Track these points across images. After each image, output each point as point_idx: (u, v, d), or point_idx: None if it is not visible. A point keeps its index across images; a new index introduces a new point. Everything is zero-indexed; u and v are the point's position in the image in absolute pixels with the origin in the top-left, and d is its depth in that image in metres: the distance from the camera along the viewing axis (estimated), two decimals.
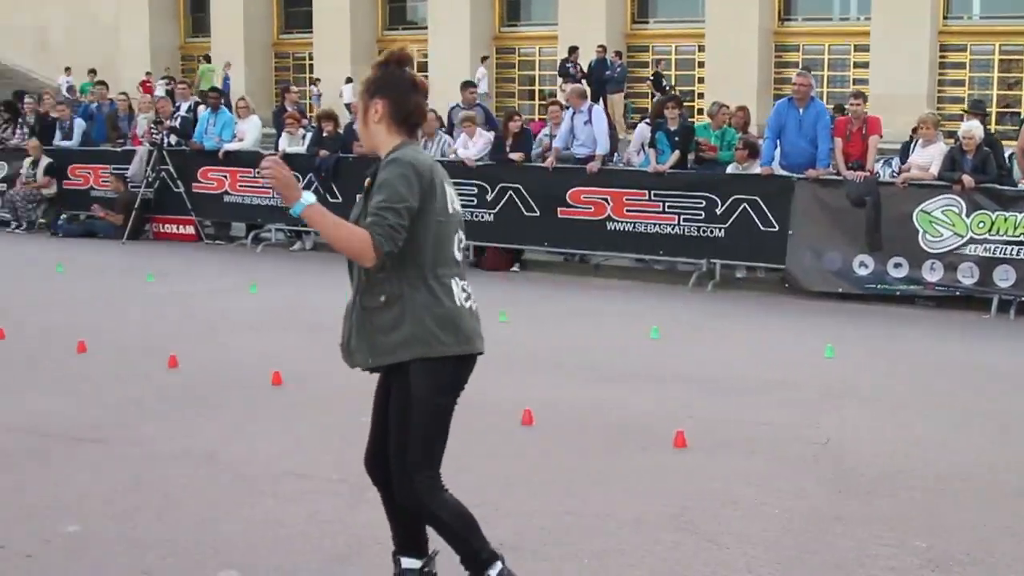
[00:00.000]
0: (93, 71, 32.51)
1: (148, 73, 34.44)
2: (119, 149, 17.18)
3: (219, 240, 16.04)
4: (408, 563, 4.21)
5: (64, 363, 8.49)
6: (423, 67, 34.79)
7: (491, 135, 14.18)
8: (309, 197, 3.84)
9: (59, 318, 10.32)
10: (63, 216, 17.22)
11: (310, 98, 31.83)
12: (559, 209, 13.20)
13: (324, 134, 14.95)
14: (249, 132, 15.90)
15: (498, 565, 4.05)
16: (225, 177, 15.68)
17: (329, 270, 13.35)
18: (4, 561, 4.80)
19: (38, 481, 5.83)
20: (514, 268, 13.77)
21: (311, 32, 36.11)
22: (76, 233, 16.68)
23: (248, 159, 15.40)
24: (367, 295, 3.96)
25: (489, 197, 13.60)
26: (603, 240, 13.17)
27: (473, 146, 13.89)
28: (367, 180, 4.01)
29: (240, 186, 15.53)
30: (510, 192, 13.48)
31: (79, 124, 17.92)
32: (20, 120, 18.86)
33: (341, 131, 15.15)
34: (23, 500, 5.53)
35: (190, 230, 16.13)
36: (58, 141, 17.80)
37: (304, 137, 15.52)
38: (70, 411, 7.14)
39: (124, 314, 10.59)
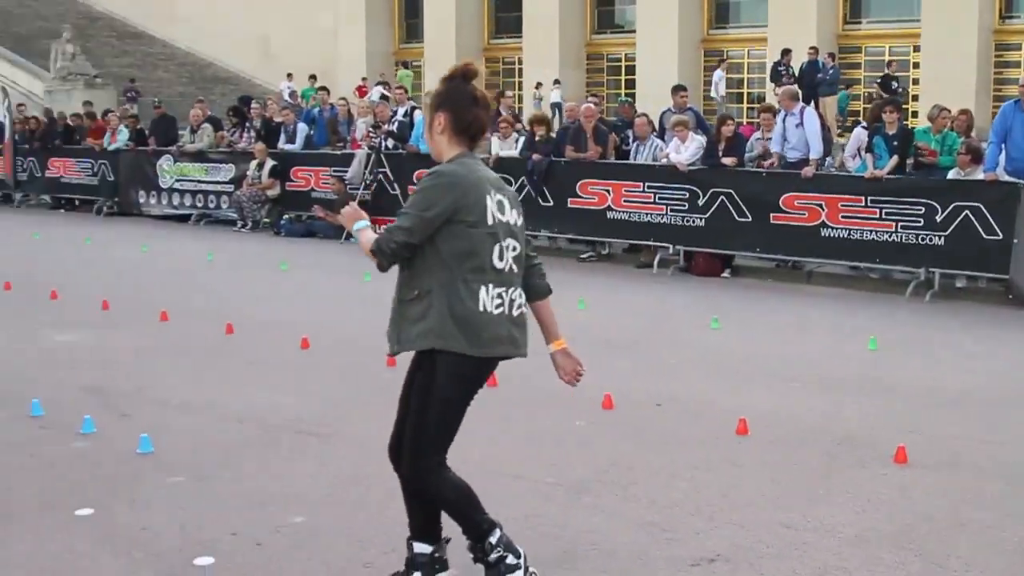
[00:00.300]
0: (313, 77, 33.64)
1: (364, 78, 35.43)
2: (339, 152, 17.74)
3: None
4: (420, 548, 4.50)
5: (289, 358, 8.78)
6: (630, 70, 34.76)
7: (703, 139, 14.01)
8: (361, 224, 4.32)
9: (283, 314, 10.69)
10: (286, 216, 17.87)
11: (519, 102, 32.14)
12: (772, 215, 12.94)
13: (536, 138, 15.05)
14: None
15: (497, 532, 4.39)
16: None
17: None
18: (236, 548, 4.97)
19: (266, 472, 6.03)
20: (725, 274, 13.54)
21: (521, 37, 36.50)
22: (298, 233, 17.29)
23: None
24: (404, 288, 4.28)
25: (700, 202, 13.43)
26: (817, 246, 12.82)
27: (685, 150, 13.75)
28: None
29: None
30: (722, 197, 13.28)
31: (302, 128, 18.55)
32: (247, 124, 19.67)
33: (553, 135, 15.23)
34: (253, 489, 5.73)
35: None
36: (282, 144, 18.47)
37: (517, 141, 15.66)
38: (295, 405, 7.37)
39: (344, 311, 10.90)
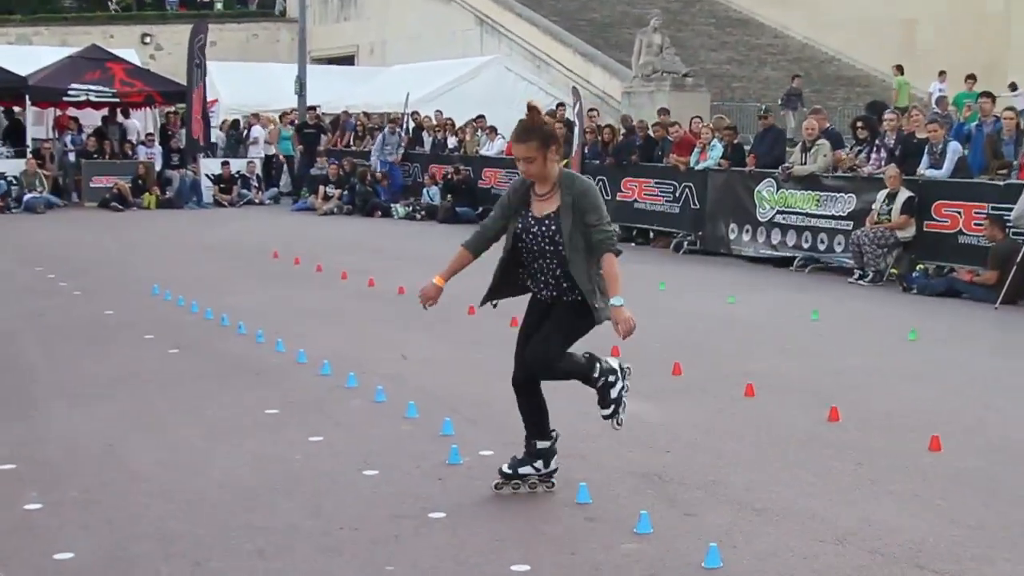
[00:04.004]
0: (972, 77, 32.85)
1: None
2: (1001, 183, 17.17)
3: None
4: (541, 444, 7.77)
5: (917, 462, 8.59)
6: None
7: None
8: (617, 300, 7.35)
9: (909, 403, 10.54)
10: (920, 266, 17.66)
11: None
12: None
13: None
14: None
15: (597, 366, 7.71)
16: None
17: None
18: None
19: None
20: None
21: None
22: (936, 290, 16.95)
23: None
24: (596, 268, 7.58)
25: None
26: None
27: None
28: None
29: None
30: None
31: (953, 148, 18.15)
32: (877, 142, 19.56)
33: None
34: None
35: None
36: (923, 169, 18.22)
37: None
38: (918, 528, 7.22)
39: (983, 403, 10.57)
